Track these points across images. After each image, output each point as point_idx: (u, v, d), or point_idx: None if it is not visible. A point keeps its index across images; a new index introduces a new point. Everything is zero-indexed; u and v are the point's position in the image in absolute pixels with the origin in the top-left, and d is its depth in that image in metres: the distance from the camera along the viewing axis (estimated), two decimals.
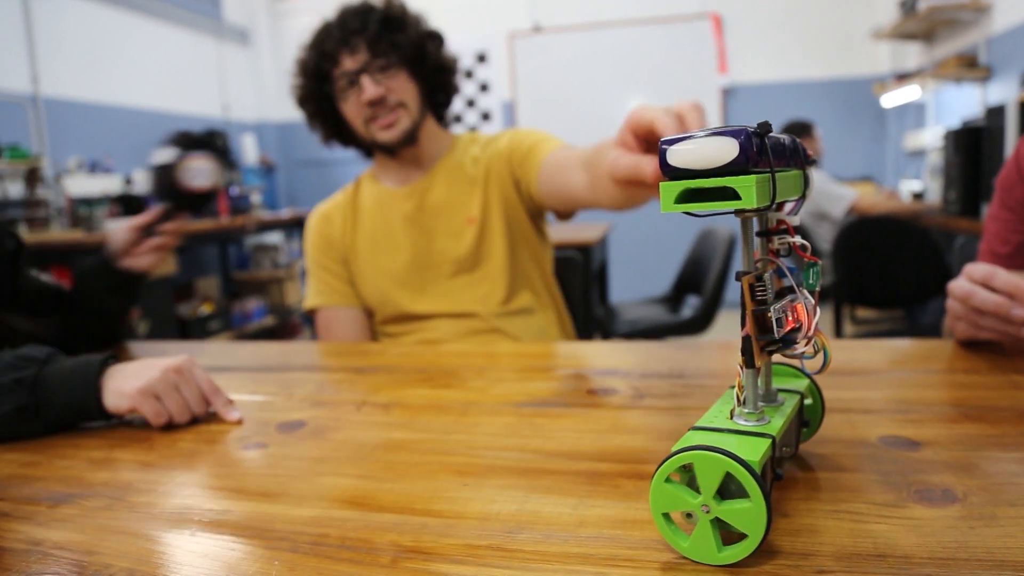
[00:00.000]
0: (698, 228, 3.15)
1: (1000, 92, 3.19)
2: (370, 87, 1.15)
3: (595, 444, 0.58)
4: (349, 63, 1.17)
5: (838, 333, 3.02)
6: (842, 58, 4.74)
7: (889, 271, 2.53)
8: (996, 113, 2.29)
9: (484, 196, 1.24)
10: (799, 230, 2.42)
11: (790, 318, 0.44)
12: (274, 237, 4.45)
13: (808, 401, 0.53)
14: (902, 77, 3.88)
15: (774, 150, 0.41)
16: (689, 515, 0.40)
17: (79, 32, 3.69)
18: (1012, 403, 0.63)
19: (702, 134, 0.40)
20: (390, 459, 0.58)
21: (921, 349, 0.84)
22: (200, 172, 1.00)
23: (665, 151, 0.41)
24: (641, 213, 4.36)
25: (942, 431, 0.57)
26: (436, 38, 1.26)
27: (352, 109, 1.20)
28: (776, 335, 0.43)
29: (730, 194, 0.39)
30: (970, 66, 3.29)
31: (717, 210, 0.40)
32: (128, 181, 3.80)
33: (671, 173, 0.41)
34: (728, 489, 0.39)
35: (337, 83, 1.19)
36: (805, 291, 0.46)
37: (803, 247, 0.45)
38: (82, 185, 3.48)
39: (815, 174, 3.55)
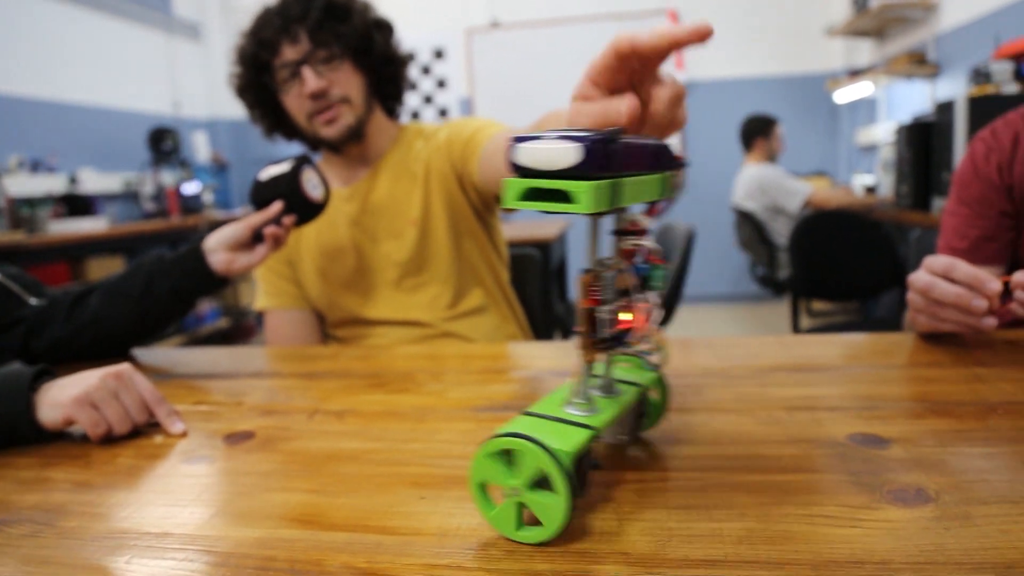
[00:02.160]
0: (657, 224, 3.15)
1: (948, 88, 3.27)
2: (311, 79, 1.09)
3: None
4: (290, 53, 1.10)
5: (795, 327, 3.06)
6: (796, 55, 4.82)
7: (844, 264, 2.57)
8: (945, 109, 2.34)
9: (425, 195, 1.19)
10: (756, 224, 2.46)
11: (623, 318, 0.46)
12: None
13: (655, 395, 0.56)
14: (855, 73, 3.96)
15: (628, 156, 0.42)
16: None
17: (20, 26, 3.53)
18: (976, 397, 0.62)
19: (553, 135, 0.39)
20: (343, 471, 0.55)
21: (883, 343, 0.83)
22: (316, 184, 1.04)
23: (513, 148, 0.41)
24: None
25: (909, 427, 0.57)
26: (384, 28, 1.19)
27: (293, 102, 1.14)
28: (604, 334, 0.44)
29: (564, 197, 0.40)
30: (919, 63, 3.36)
31: (557, 211, 0.40)
32: (73, 180, 3.66)
33: (518, 171, 0.41)
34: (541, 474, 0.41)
35: (278, 74, 1.12)
36: (649, 292, 0.47)
37: (651, 250, 0.47)
38: (23, 184, 3.33)
39: (771, 170, 3.59)
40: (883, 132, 3.93)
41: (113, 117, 4.14)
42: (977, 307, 0.71)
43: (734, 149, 4.73)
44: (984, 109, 2.22)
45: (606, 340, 0.45)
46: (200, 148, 4.67)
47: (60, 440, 0.67)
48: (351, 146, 1.19)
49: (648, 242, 0.46)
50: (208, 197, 4.32)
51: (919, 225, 2.59)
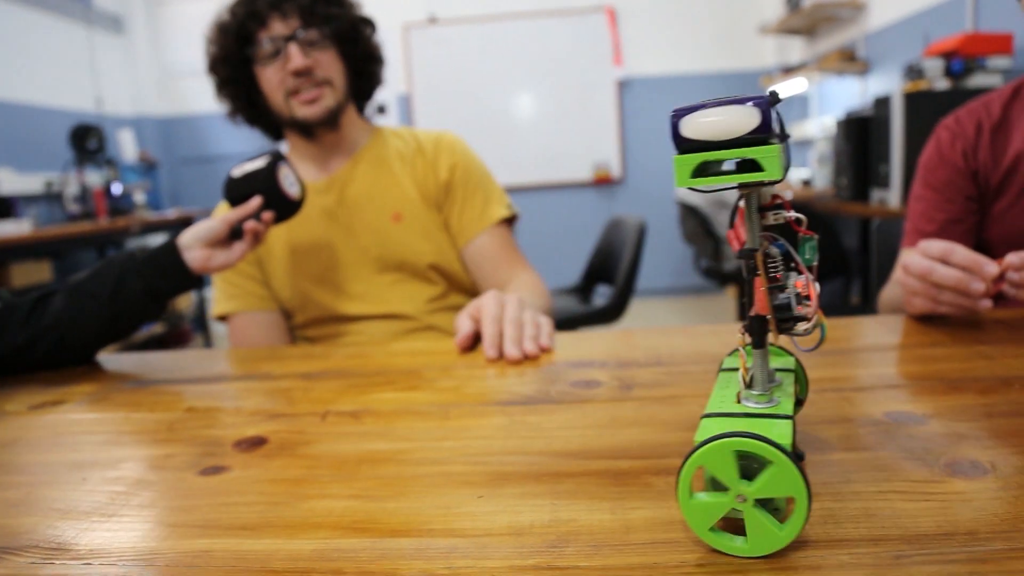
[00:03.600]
0: (606, 218, 3.18)
1: (878, 84, 3.42)
2: (297, 56, 1.07)
3: (602, 441, 0.55)
4: (279, 27, 1.08)
5: (743, 316, 3.13)
6: (731, 52, 4.95)
7: None
8: (882, 104, 2.44)
9: (415, 193, 1.19)
10: (700, 217, 2.51)
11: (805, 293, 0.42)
12: (159, 239, 4.14)
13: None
14: (787, 70, 4.09)
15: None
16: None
17: None
18: (988, 373, 0.64)
19: (713, 103, 0.37)
20: (381, 473, 0.52)
21: (878, 326, 0.85)
22: (293, 181, 1.00)
23: (677, 123, 0.37)
24: (545, 205, 4.41)
25: (937, 403, 0.58)
26: (370, 24, 1.20)
27: (273, 78, 1.11)
28: (795, 311, 0.41)
29: (745, 166, 0.37)
30: (850, 60, 3.50)
31: (734, 183, 0.37)
32: None
33: (684, 145, 0.38)
34: (752, 471, 0.37)
35: (260, 48, 1.09)
36: (803, 266, 0.44)
37: (798, 220, 0.43)
38: None
39: None
40: (815, 127, 4.08)
41: (31, 114, 3.89)
42: (976, 290, 0.74)
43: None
44: (919, 104, 2.33)
45: (794, 319, 0.41)
46: (126, 147, 4.44)
47: (39, 453, 0.61)
48: (325, 132, 1.17)
49: (794, 214, 0.42)
50: (139, 197, 4.12)
51: (860, 215, 2.70)
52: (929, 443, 0.50)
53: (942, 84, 2.41)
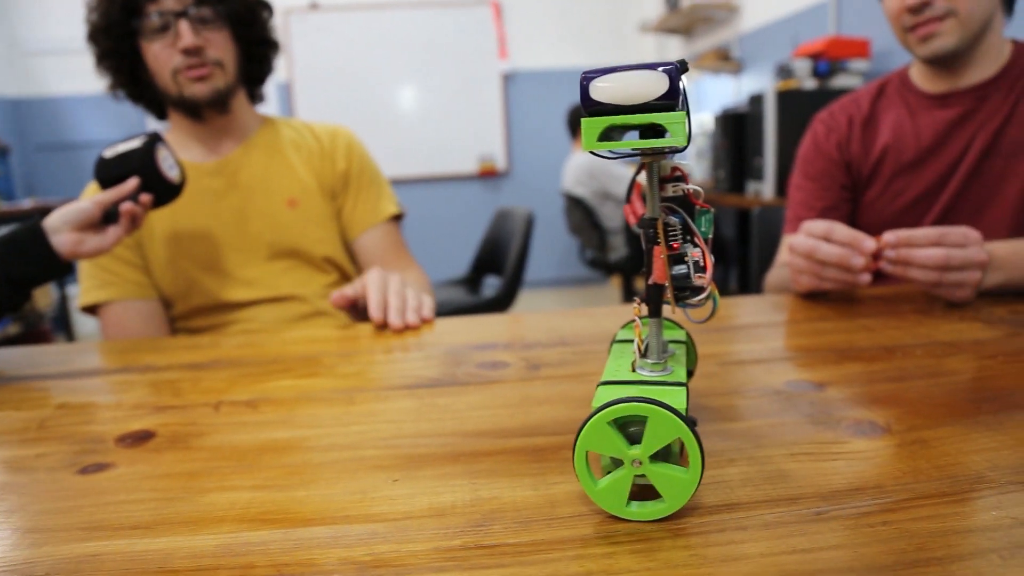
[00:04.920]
0: (492, 211, 3.19)
1: (751, 83, 3.62)
2: (187, 34, 1.01)
3: (516, 419, 0.54)
4: (170, 1, 1.01)
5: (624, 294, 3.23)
6: (613, 48, 5.10)
7: None
8: (756, 101, 2.58)
9: (311, 180, 1.16)
10: (586, 209, 2.57)
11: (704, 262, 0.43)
12: None
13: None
14: None
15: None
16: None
17: None
18: (873, 343, 0.69)
19: (624, 68, 0.37)
20: (287, 462, 0.48)
21: (768, 304, 0.89)
22: (172, 164, 0.93)
23: (587, 85, 0.37)
24: (432, 198, 4.36)
25: (832, 372, 0.61)
26: (267, 8, 1.15)
27: (160, 54, 1.03)
28: (694, 280, 0.42)
29: (653, 132, 0.37)
30: (724, 59, 3.68)
31: (644, 148, 0.37)
32: None
33: (593, 108, 0.37)
34: (638, 435, 0.37)
35: (148, 20, 1.02)
36: (700, 238, 0.44)
37: (696, 193, 0.44)
38: None
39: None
40: (694, 123, 4.26)
41: None
42: (856, 264, 0.79)
43: (557, 137, 4.92)
44: (789, 101, 2.48)
45: (690, 289, 0.42)
46: None
47: None
48: (214, 115, 1.11)
49: (692, 187, 0.42)
50: None
51: (737, 206, 2.85)
52: (829, 408, 0.52)
53: (810, 83, 2.58)
